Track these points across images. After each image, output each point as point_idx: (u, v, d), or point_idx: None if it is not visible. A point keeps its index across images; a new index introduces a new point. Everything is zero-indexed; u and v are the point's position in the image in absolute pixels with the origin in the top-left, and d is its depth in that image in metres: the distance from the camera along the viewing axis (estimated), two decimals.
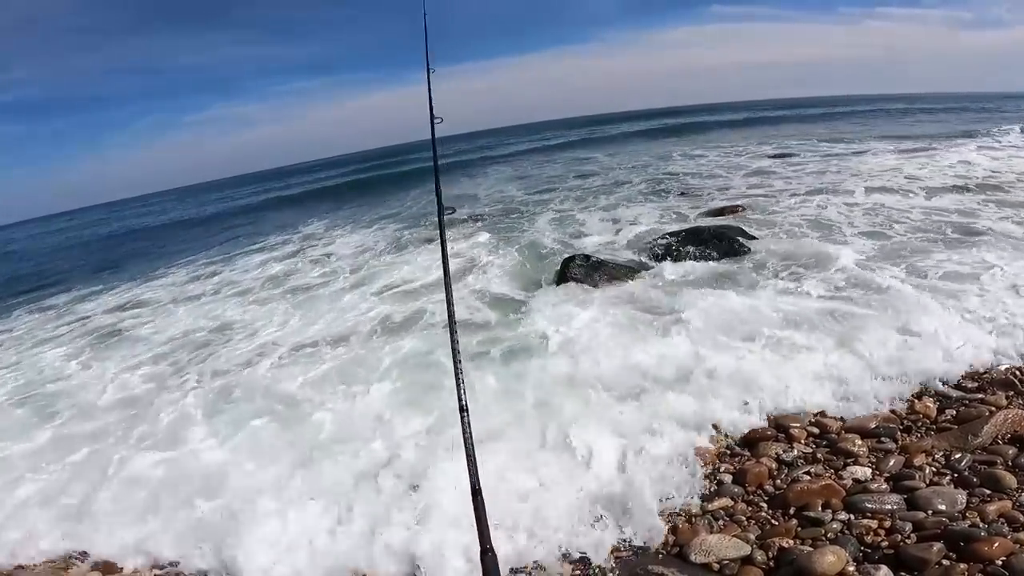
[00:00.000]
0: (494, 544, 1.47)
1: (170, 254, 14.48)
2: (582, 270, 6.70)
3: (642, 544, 2.68)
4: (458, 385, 1.66)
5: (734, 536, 2.63)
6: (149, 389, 5.37)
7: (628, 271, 6.77)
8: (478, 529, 1.49)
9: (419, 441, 3.55)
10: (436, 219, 2.47)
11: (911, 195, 9.11)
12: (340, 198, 21.22)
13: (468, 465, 1.50)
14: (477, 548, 1.47)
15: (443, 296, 1.97)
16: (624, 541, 2.69)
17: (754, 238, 7.45)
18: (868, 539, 2.49)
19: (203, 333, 6.87)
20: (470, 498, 1.51)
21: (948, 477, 2.84)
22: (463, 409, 1.61)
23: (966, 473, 2.82)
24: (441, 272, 2.03)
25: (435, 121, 2.84)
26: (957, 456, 2.96)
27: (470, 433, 1.52)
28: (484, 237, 9.47)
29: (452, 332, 1.73)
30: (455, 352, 1.69)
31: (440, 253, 2.09)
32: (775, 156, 15.89)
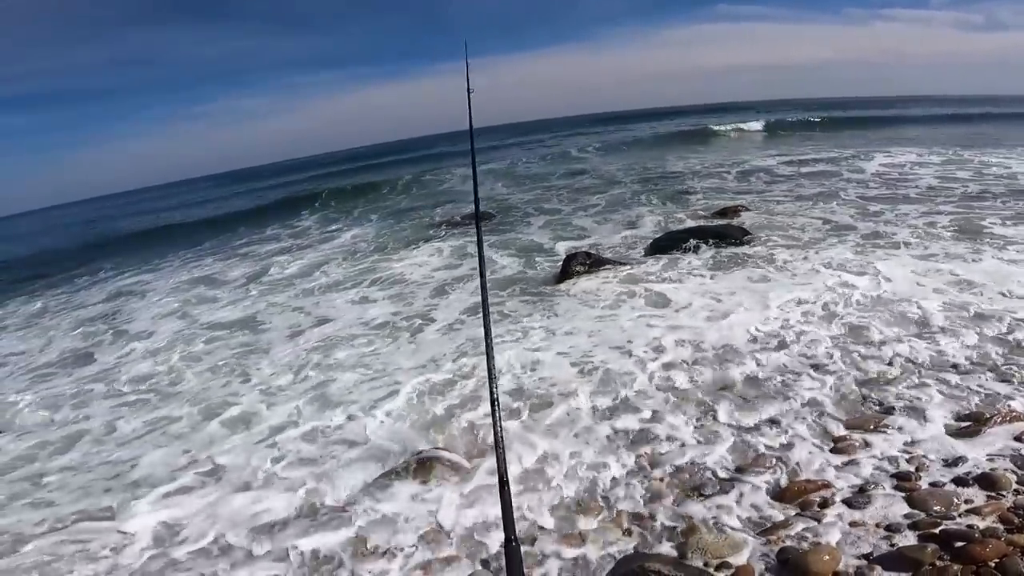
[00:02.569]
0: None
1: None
2: (583, 267, 6.81)
3: None
4: (490, 379, 1.68)
5: None
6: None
7: (624, 266, 6.86)
8: (504, 519, 1.48)
9: None
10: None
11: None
12: (338, 195, 20.91)
13: (497, 456, 1.52)
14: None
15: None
16: None
17: (757, 237, 7.50)
18: None
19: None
20: (497, 488, 1.51)
21: None
22: (494, 402, 1.63)
23: None
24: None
25: (470, 108, 2.85)
26: None
27: (501, 425, 1.54)
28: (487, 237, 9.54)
29: (487, 327, 1.75)
30: (488, 346, 1.72)
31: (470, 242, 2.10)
32: (780, 157, 15.98)
